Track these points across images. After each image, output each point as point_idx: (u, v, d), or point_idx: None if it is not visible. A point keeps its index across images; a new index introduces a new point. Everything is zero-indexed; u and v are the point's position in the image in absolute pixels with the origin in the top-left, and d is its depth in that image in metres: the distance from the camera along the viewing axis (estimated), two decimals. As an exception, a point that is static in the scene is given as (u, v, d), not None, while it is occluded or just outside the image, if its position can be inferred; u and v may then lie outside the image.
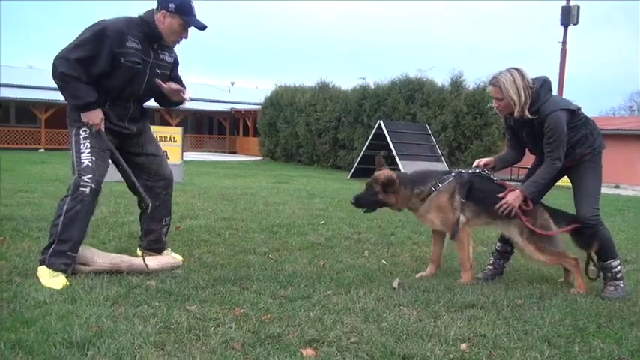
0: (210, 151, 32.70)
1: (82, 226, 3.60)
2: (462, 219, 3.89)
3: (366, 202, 4.05)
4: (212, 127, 36.58)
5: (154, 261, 3.86)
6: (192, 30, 3.80)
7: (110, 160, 3.83)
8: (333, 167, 22.14)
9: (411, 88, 20.06)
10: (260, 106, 27.25)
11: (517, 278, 4.20)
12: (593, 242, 3.83)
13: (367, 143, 17.13)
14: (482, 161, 4.12)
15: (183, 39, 3.81)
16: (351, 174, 17.46)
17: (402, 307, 3.32)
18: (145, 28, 3.66)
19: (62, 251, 3.52)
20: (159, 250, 4.22)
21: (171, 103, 3.98)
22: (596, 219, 3.77)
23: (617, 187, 18.63)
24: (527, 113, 3.71)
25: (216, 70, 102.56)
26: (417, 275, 4.06)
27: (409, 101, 19.94)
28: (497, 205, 3.82)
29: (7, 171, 12.07)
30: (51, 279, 3.42)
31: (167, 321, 2.87)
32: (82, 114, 3.60)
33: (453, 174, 4.01)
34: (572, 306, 3.45)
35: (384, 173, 4.01)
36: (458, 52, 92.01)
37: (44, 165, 15.50)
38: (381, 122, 16.43)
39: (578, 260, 3.91)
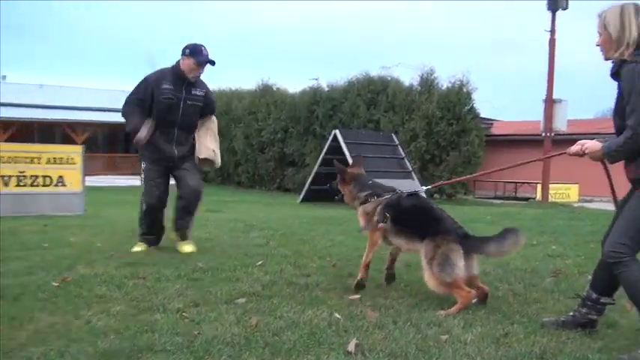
0: (126, 174, 31.85)
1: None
2: (380, 225, 4.80)
3: (334, 187, 5.45)
4: (129, 144, 35.78)
5: None
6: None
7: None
8: (280, 189, 21.85)
9: (372, 89, 20.08)
10: (188, 116, 26.74)
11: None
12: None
13: (320, 158, 16.90)
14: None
15: (201, 73, 6.38)
16: (301, 197, 17.17)
17: (359, 381, 2.99)
18: (174, 72, 6.29)
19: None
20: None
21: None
22: (616, 256, 3.39)
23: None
24: (615, 53, 3.45)
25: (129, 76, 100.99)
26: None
27: (371, 105, 19.92)
28: (576, 145, 3.57)
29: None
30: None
31: None
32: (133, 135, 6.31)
33: (390, 193, 4.90)
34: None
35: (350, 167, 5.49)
36: (426, 47, 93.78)
37: None
38: (337, 132, 16.26)
39: (471, 295, 4.32)
